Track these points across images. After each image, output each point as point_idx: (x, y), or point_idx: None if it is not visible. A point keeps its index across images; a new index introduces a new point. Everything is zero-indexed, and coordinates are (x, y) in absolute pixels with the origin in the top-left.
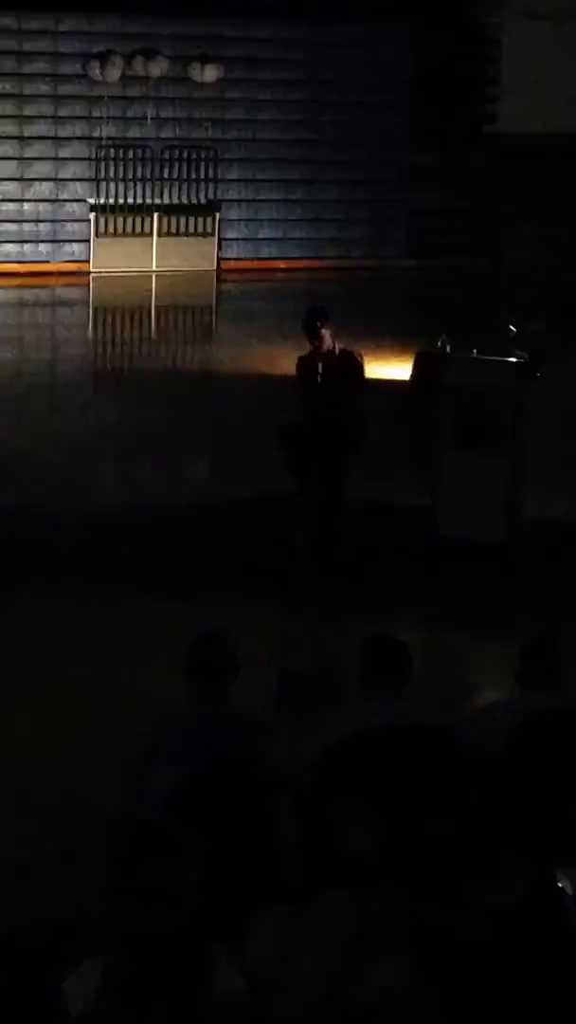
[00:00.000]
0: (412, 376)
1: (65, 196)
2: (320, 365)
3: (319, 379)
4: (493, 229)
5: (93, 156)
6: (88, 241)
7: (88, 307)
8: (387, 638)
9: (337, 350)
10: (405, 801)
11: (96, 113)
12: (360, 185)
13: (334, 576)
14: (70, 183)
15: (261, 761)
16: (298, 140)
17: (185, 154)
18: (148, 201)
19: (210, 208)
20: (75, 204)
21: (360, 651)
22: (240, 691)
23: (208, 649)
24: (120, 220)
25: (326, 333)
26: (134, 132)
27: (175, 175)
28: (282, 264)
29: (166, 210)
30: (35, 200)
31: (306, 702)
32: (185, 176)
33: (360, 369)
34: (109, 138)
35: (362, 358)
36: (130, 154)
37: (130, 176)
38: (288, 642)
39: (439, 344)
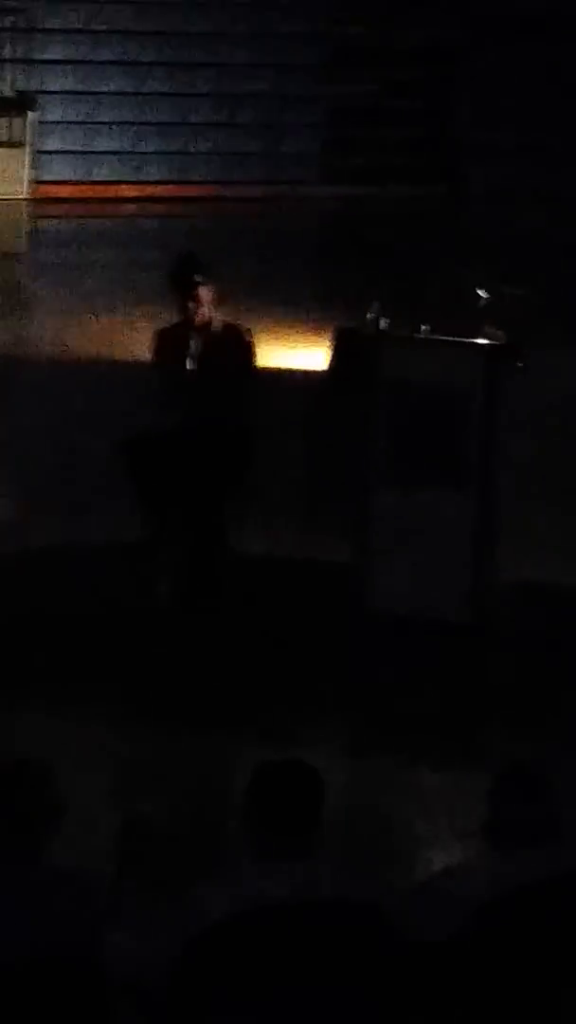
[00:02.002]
0: (329, 366)
1: None
2: (192, 343)
3: (189, 364)
4: (455, 141)
5: None
6: None
7: None
8: (289, 767)
9: (218, 323)
10: (309, 1015)
11: None
12: (252, 71)
13: (208, 669)
14: None
15: (94, 955)
16: (154, 3)
17: None
18: None
19: (19, 104)
20: None
21: (248, 786)
22: (62, 848)
23: (13, 782)
24: None
25: (204, 295)
26: None
27: None
28: (130, 190)
29: None
30: None
31: (164, 866)
32: None
33: (249, 352)
34: None
35: (252, 336)
36: None
37: None
38: (137, 771)
39: (369, 317)
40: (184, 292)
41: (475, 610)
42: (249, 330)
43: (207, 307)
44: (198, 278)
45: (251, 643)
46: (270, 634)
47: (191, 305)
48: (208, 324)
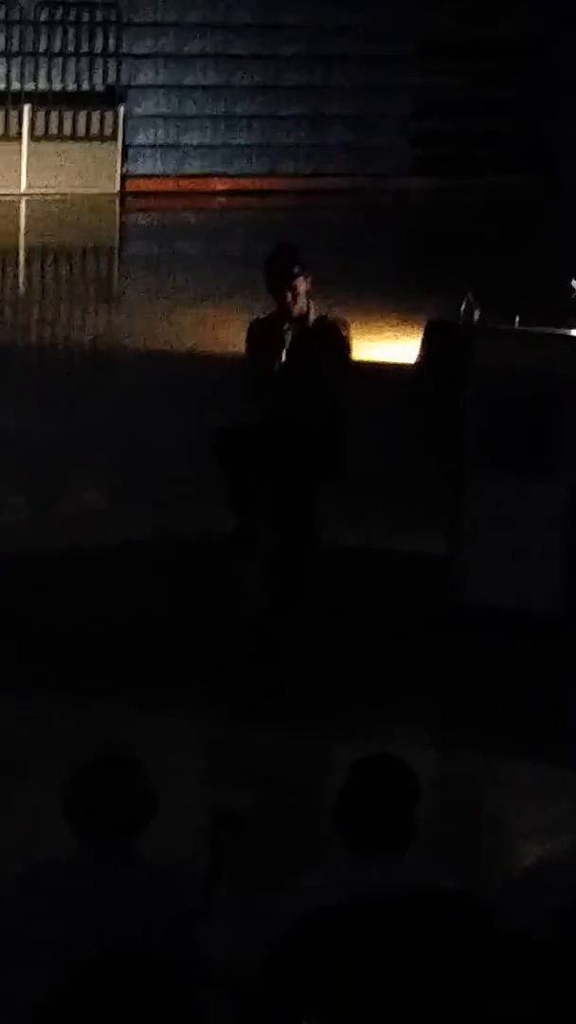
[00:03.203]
0: (420, 357)
1: None
2: (287, 335)
3: (283, 357)
4: (546, 131)
5: None
6: None
7: None
8: (383, 761)
9: (313, 315)
10: (404, 1007)
11: None
12: (342, 64)
13: (300, 663)
14: None
15: (185, 951)
16: None
17: (72, 14)
18: (15, 86)
19: (110, 98)
20: None
21: (343, 782)
22: (154, 842)
23: (104, 777)
24: None
25: (301, 287)
26: None
27: (56, 47)
28: (221, 184)
29: (42, 100)
30: None
31: (257, 860)
32: (72, 49)
33: (346, 346)
34: None
35: (349, 330)
36: None
37: None
38: (230, 765)
39: (462, 309)
40: (281, 283)
41: (568, 599)
42: (346, 323)
43: (303, 298)
44: (296, 269)
45: (342, 634)
46: (362, 624)
47: (288, 296)
48: (304, 316)
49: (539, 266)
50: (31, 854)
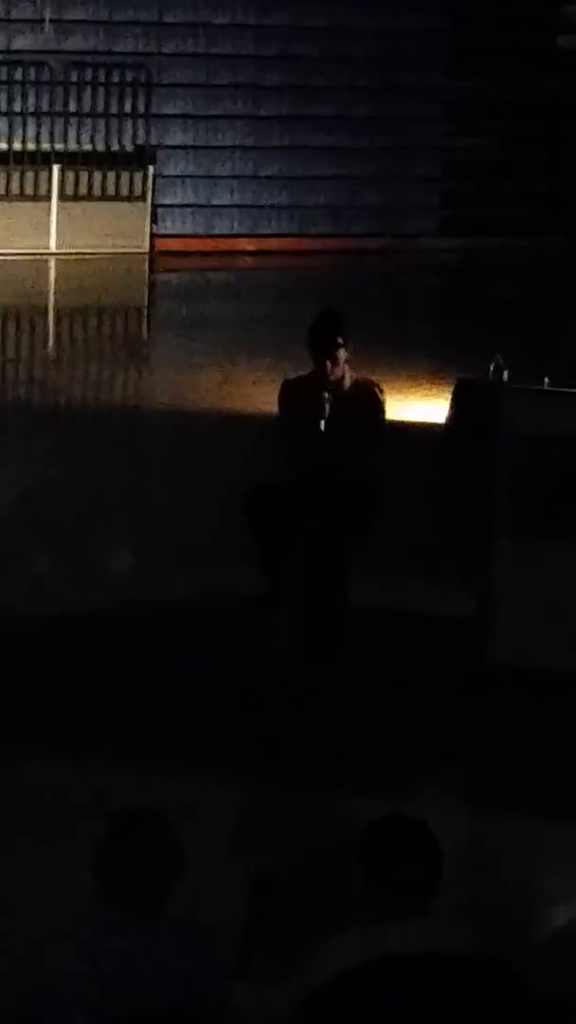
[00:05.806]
0: (449, 418)
1: None
2: (324, 398)
3: (319, 419)
4: (572, 190)
5: None
6: None
7: None
8: (407, 823)
9: (348, 379)
10: None
11: None
12: (369, 125)
13: (328, 723)
14: None
15: (217, 1012)
16: (275, 57)
17: (102, 76)
18: (44, 147)
19: (139, 158)
20: None
21: (365, 842)
22: (185, 902)
23: (135, 837)
24: (1, 176)
25: (342, 355)
26: (22, 43)
27: (86, 108)
28: (249, 244)
29: (72, 160)
30: None
31: (287, 922)
32: (101, 110)
33: (381, 410)
34: None
35: (384, 394)
36: (18, 75)
37: (17, 109)
38: (261, 826)
39: (491, 369)
40: (324, 349)
41: None
42: (381, 387)
43: (342, 365)
44: (340, 339)
45: (372, 694)
46: (392, 685)
47: (328, 364)
48: (340, 380)
49: (568, 326)
50: (62, 913)
